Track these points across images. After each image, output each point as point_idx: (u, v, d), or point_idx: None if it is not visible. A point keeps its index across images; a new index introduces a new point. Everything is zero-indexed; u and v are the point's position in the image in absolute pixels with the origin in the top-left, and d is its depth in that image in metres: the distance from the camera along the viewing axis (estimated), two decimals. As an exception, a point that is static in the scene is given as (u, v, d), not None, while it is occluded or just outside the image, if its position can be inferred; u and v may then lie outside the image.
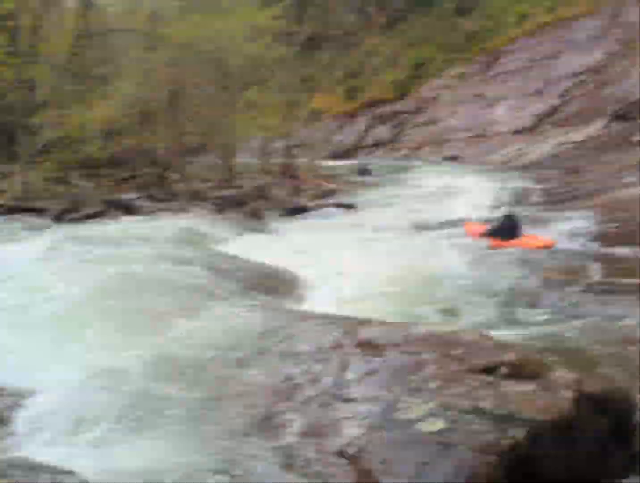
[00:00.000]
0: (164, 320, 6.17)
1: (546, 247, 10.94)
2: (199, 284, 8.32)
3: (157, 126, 24.87)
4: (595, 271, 9.10)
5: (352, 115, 50.39)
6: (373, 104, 49.26)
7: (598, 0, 36.02)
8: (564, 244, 11.25)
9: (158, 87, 23.44)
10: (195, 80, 23.16)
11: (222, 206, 19.55)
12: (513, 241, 11.10)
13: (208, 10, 24.88)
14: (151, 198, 20.43)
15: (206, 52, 22.83)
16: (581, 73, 35.00)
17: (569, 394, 3.83)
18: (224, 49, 23.56)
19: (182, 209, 18.23)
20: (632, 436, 4.13)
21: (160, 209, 18.40)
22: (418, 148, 44.00)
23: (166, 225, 14.88)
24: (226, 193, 20.71)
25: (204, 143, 27.65)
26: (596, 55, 34.68)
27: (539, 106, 36.54)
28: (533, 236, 11.50)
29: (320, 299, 8.45)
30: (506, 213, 11.91)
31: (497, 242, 11.17)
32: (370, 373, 4.40)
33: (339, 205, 20.65)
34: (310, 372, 4.61)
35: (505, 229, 11.38)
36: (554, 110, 35.51)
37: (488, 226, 12.01)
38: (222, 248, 11.56)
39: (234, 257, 10.06)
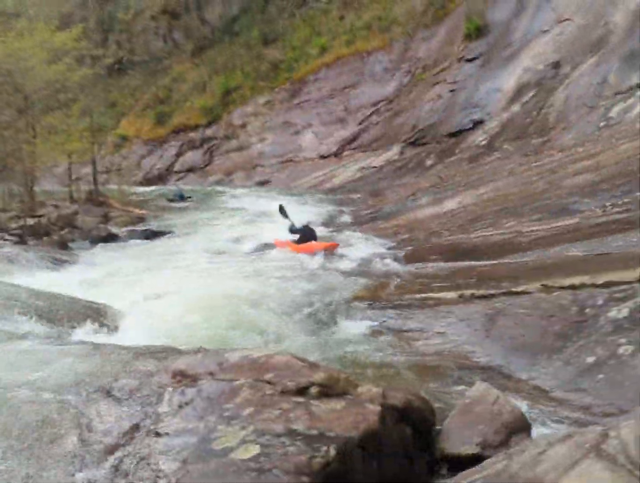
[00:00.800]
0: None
1: (329, 249, 13.36)
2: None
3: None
4: (396, 288, 9.65)
5: (162, 140, 49.59)
6: (183, 129, 48.87)
7: (391, 36, 38.55)
8: (368, 264, 11.84)
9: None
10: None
11: (24, 236, 18.31)
12: (305, 245, 13.55)
13: (2, 29, 23.25)
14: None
15: (1, 73, 21.30)
16: (378, 102, 37.30)
17: (374, 408, 3.99)
18: (20, 70, 22.14)
19: (-23, 241, 16.79)
20: (432, 441, 4.40)
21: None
22: (230, 173, 44.34)
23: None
24: (29, 221, 19.41)
25: (2, 170, 25.68)
26: (389, 87, 37.16)
27: (342, 133, 38.39)
28: (320, 242, 13.87)
29: (131, 330, 8.16)
30: (304, 225, 14.54)
31: (294, 247, 13.76)
32: (184, 404, 4.29)
33: (150, 232, 20.17)
34: (122, 408, 4.40)
35: (303, 238, 14.03)
36: (355, 137, 37.49)
37: (290, 238, 14.48)
38: (24, 281, 10.75)
39: (35, 290, 9.39)
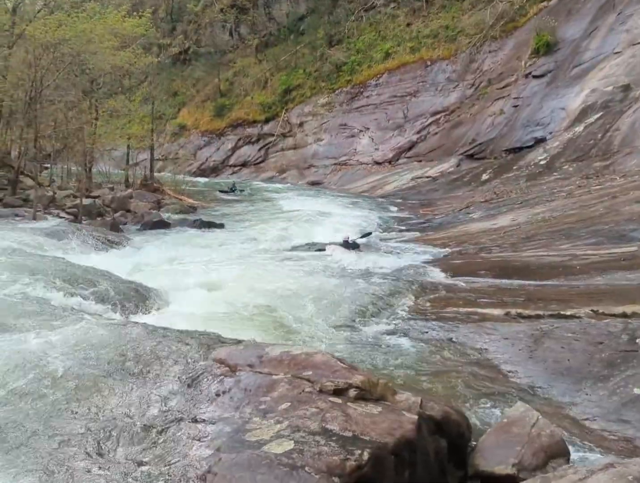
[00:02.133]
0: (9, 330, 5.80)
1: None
2: (52, 297, 7.96)
3: (12, 127, 23.49)
4: (441, 299, 9.58)
5: (219, 133, 50.18)
6: (241, 124, 49.34)
7: (457, 46, 38.21)
8: (414, 273, 11.77)
9: (16, 87, 22.16)
10: (56, 82, 22.09)
11: (79, 215, 18.78)
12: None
13: (73, 11, 23.87)
14: (1, 203, 19.23)
15: (69, 54, 21.87)
16: (438, 113, 37.03)
17: (411, 416, 3.97)
18: (89, 53, 22.71)
19: (36, 217, 17.28)
20: (466, 457, 4.35)
21: (12, 215, 17.39)
22: (283, 171, 44.65)
23: (21, 231, 14.14)
24: (84, 201, 19.90)
25: (63, 149, 26.41)
26: (451, 97, 36.86)
27: (399, 140, 38.24)
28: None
29: (178, 315, 8.31)
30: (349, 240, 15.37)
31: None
32: (222, 393, 4.35)
33: (201, 222, 20.44)
34: (161, 390, 4.48)
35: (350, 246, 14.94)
36: (411, 145, 37.28)
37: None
38: (77, 260, 11.04)
39: (91, 269, 9.64)
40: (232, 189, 33.95)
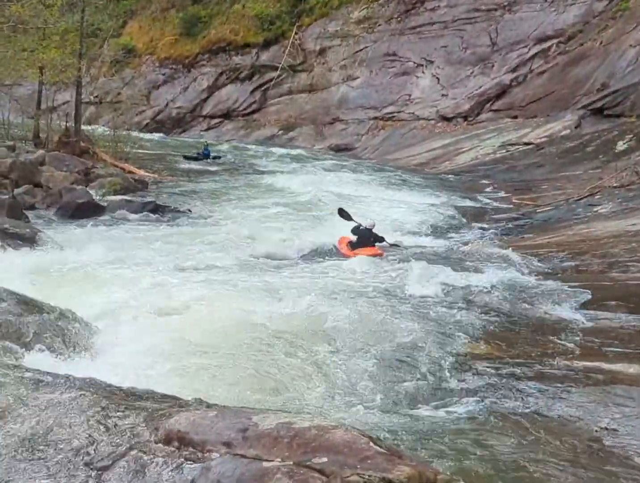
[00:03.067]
0: None
1: (376, 255, 16.43)
2: None
3: None
4: (544, 344, 9.53)
5: (189, 63, 50.39)
6: (224, 49, 49.44)
7: None
8: (502, 299, 11.74)
9: None
10: None
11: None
12: (352, 251, 16.84)
13: None
14: None
15: None
16: (546, 39, 36.85)
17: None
18: None
19: None
20: None
21: None
22: (290, 128, 44.67)
23: None
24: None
25: None
26: (568, 15, 36.67)
27: (481, 82, 38.14)
28: (370, 247, 16.98)
29: (107, 357, 8.33)
30: (366, 227, 17.48)
31: (345, 250, 17.18)
32: (180, 488, 4.36)
33: (154, 206, 20.49)
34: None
35: (359, 241, 17.23)
36: (502, 91, 37.14)
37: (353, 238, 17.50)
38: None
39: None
40: (204, 155, 34.18)
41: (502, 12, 39.31)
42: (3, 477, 4.61)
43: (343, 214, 18.59)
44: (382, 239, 17.46)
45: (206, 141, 37.35)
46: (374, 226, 17.50)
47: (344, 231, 17.93)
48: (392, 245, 17.49)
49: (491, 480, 6.04)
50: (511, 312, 11.12)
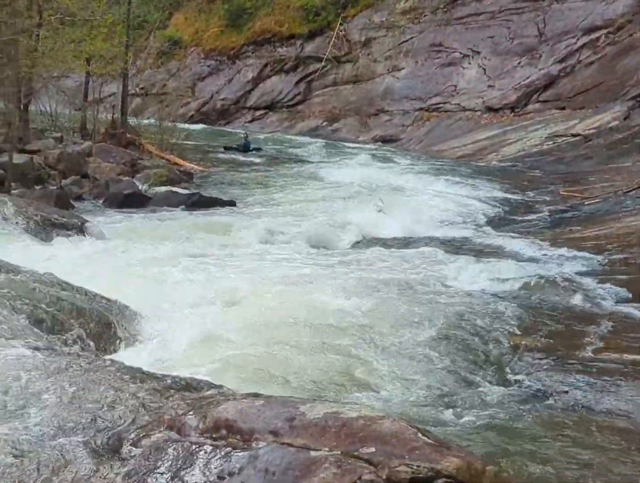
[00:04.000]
0: None
1: None
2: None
3: None
4: (593, 338, 9.48)
5: (234, 55, 50.43)
6: (269, 40, 49.48)
7: None
8: (549, 292, 11.68)
9: None
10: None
11: (7, 180, 19.06)
12: None
13: None
14: None
15: None
16: (595, 29, 36.51)
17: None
18: None
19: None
20: None
21: None
22: (334, 119, 44.60)
23: None
24: (16, 158, 20.17)
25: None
26: (619, 4, 36.29)
27: (528, 73, 37.86)
28: None
29: (155, 347, 8.38)
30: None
31: None
32: (228, 475, 4.37)
33: (199, 198, 20.57)
34: (132, 471, 4.54)
35: None
36: (550, 82, 36.84)
37: None
38: (4, 255, 11.23)
39: (22, 272, 9.79)
40: (245, 147, 34.27)
41: (550, 2, 38.99)
42: (58, 457, 4.66)
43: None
44: None
45: (246, 133, 37.36)
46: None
47: (387, 223, 18.35)
48: None
49: (538, 475, 6.01)
50: (557, 305, 11.08)
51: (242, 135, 36.66)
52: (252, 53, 49.79)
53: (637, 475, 6.23)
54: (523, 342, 9.46)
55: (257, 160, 31.91)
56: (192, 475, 4.46)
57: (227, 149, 34.40)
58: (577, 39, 36.96)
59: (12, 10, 24.50)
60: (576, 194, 22.78)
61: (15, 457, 4.58)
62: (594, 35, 36.45)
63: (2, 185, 18.87)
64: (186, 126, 38.66)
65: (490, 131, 36.17)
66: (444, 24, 42.72)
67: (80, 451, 4.71)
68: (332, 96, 45.84)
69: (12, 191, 18.45)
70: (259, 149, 34.74)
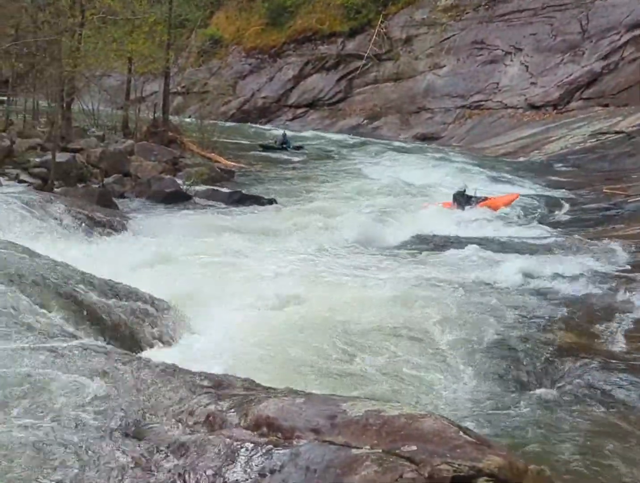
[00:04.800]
0: None
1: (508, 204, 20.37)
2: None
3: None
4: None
5: (275, 53, 50.52)
6: (310, 38, 49.50)
7: None
8: (593, 291, 11.64)
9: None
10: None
11: (50, 178, 19.21)
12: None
13: None
14: None
15: None
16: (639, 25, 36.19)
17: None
18: None
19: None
20: None
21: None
22: (375, 117, 44.58)
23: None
24: (59, 157, 20.31)
25: (27, 73, 27.02)
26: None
27: (571, 70, 37.62)
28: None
29: (198, 345, 8.42)
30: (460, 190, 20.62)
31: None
32: (269, 472, 4.39)
33: (241, 196, 20.63)
34: (174, 467, 4.57)
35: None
36: (593, 79, 36.59)
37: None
38: (43, 250, 11.33)
39: (63, 268, 9.87)
40: (283, 145, 34.25)
41: (593, -2, 38.75)
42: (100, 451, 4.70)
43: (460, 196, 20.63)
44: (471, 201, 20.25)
45: (284, 132, 37.34)
46: (465, 189, 20.51)
47: (432, 222, 18.49)
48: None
49: (580, 474, 5.98)
50: (599, 303, 11.06)
51: (281, 133, 36.68)
52: (293, 51, 49.83)
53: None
54: (565, 342, 9.43)
55: (297, 158, 31.91)
56: (234, 472, 4.47)
57: (265, 148, 34.44)
58: (621, 36, 36.67)
59: (55, 10, 24.70)
60: (619, 192, 22.59)
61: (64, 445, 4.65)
62: (637, 32, 36.16)
63: (45, 183, 19.02)
64: (227, 124, 38.82)
65: (532, 128, 35.99)
66: (486, 21, 42.57)
67: (120, 445, 4.76)
68: (373, 94, 45.81)
69: (55, 189, 18.59)
70: (299, 148, 34.70)
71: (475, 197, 20.55)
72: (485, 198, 20.76)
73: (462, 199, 20.31)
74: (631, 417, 7.31)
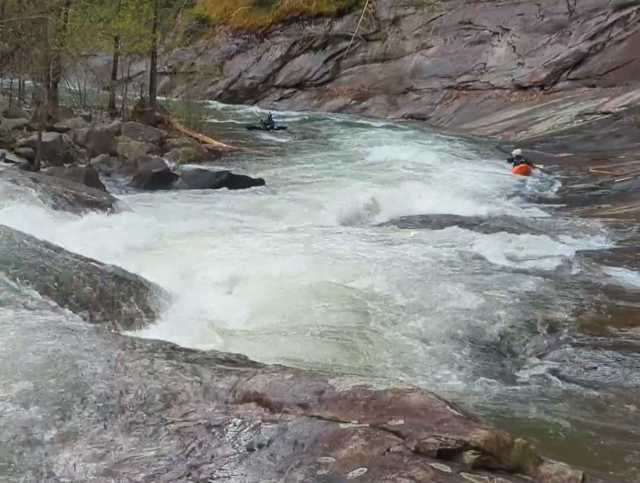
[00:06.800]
0: None
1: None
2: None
3: None
4: (623, 314, 9.48)
5: (263, 32, 50.34)
6: (297, 18, 49.36)
7: None
8: (577, 269, 11.70)
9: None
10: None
11: (36, 158, 19.18)
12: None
13: None
14: None
15: None
16: (626, 5, 36.21)
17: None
18: None
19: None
20: None
21: None
22: (363, 98, 44.51)
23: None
24: (45, 137, 20.28)
25: (13, 52, 26.92)
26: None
27: (558, 50, 37.61)
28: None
29: (184, 323, 8.43)
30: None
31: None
32: (258, 447, 4.40)
33: (228, 176, 20.63)
34: (161, 442, 4.57)
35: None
36: (579, 59, 36.60)
37: None
38: (29, 230, 11.31)
39: (49, 248, 9.86)
40: (267, 125, 34.31)
41: (581, -22, 38.74)
42: (86, 428, 4.71)
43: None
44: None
45: (269, 112, 37.36)
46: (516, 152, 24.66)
47: (418, 201, 18.43)
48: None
49: (566, 449, 6.02)
50: (587, 281, 11.09)
51: (267, 113, 36.72)
52: (281, 31, 49.69)
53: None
54: (550, 318, 9.47)
55: (284, 139, 31.93)
56: (222, 447, 4.49)
57: (251, 128, 34.55)
58: (608, 16, 36.70)
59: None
60: (606, 172, 22.67)
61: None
62: (624, 12, 36.20)
63: (31, 163, 19.01)
64: (215, 103, 38.79)
65: (519, 109, 36.05)
66: (474, 2, 42.56)
67: (113, 423, 4.77)
68: (360, 75, 45.75)
69: (42, 169, 18.59)
70: (283, 128, 34.76)
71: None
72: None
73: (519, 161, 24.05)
74: (616, 393, 7.36)
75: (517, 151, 24.88)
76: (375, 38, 46.12)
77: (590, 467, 5.42)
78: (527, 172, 23.73)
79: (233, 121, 37.22)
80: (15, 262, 8.65)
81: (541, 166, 24.29)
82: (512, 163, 24.54)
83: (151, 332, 7.95)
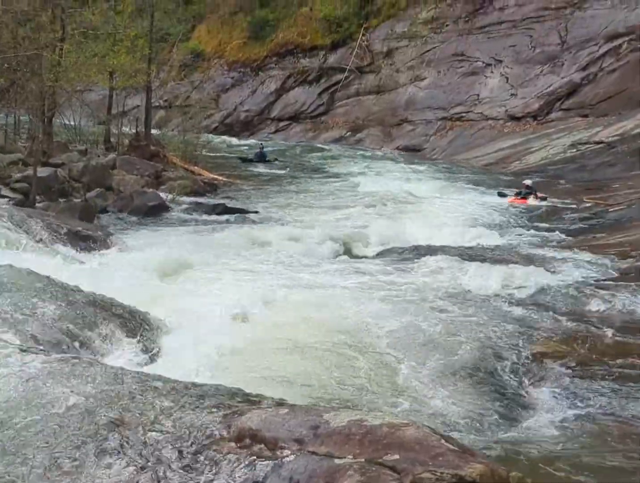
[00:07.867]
0: None
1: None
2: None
3: None
4: (620, 344, 9.48)
5: (257, 66, 50.57)
6: (292, 51, 49.57)
7: None
8: (574, 299, 11.70)
9: None
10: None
11: (32, 193, 19.17)
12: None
13: None
14: None
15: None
16: (617, 36, 36.38)
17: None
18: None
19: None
20: None
21: None
22: (358, 130, 44.62)
23: None
24: (40, 171, 20.28)
25: (8, 88, 26.96)
26: (641, 11, 36.20)
27: (550, 81, 37.75)
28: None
29: (179, 355, 8.44)
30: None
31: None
32: (252, 484, 4.40)
33: (223, 208, 20.68)
34: (153, 475, 4.56)
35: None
36: (572, 90, 36.71)
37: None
38: (26, 264, 11.31)
39: (44, 280, 9.87)
40: (261, 158, 34.47)
41: (572, 10, 38.94)
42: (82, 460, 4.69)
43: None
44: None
45: (261, 144, 37.52)
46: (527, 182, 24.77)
47: (411, 232, 18.59)
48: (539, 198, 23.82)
49: (561, 481, 6.00)
50: (582, 311, 11.12)
51: (259, 145, 36.91)
52: (275, 65, 49.92)
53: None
54: (544, 349, 9.47)
55: (280, 171, 32.05)
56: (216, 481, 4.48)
57: (244, 161, 34.70)
58: (600, 47, 36.88)
59: (36, 25, 24.70)
60: (600, 202, 22.70)
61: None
62: (616, 42, 36.35)
63: (27, 198, 18.98)
64: (211, 137, 38.93)
65: (513, 139, 36.14)
66: (466, 34, 42.75)
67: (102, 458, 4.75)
68: (355, 107, 45.91)
69: (37, 204, 18.57)
70: (275, 160, 35.00)
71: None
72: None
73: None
74: (611, 424, 7.34)
75: (527, 182, 24.97)
76: (369, 70, 46.33)
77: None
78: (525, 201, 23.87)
79: (227, 153, 37.31)
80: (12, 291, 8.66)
81: (545, 195, 24.23)
82: (505, 196, 24.72)
83: (145, 364, 7.97)
